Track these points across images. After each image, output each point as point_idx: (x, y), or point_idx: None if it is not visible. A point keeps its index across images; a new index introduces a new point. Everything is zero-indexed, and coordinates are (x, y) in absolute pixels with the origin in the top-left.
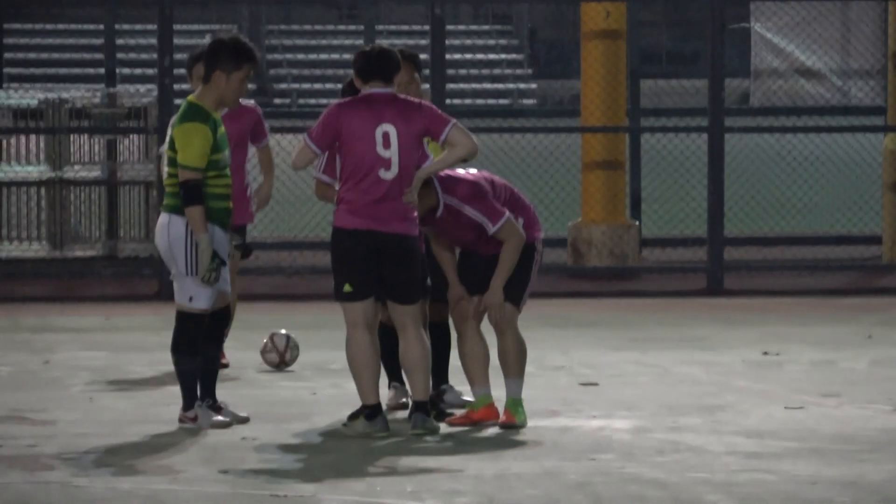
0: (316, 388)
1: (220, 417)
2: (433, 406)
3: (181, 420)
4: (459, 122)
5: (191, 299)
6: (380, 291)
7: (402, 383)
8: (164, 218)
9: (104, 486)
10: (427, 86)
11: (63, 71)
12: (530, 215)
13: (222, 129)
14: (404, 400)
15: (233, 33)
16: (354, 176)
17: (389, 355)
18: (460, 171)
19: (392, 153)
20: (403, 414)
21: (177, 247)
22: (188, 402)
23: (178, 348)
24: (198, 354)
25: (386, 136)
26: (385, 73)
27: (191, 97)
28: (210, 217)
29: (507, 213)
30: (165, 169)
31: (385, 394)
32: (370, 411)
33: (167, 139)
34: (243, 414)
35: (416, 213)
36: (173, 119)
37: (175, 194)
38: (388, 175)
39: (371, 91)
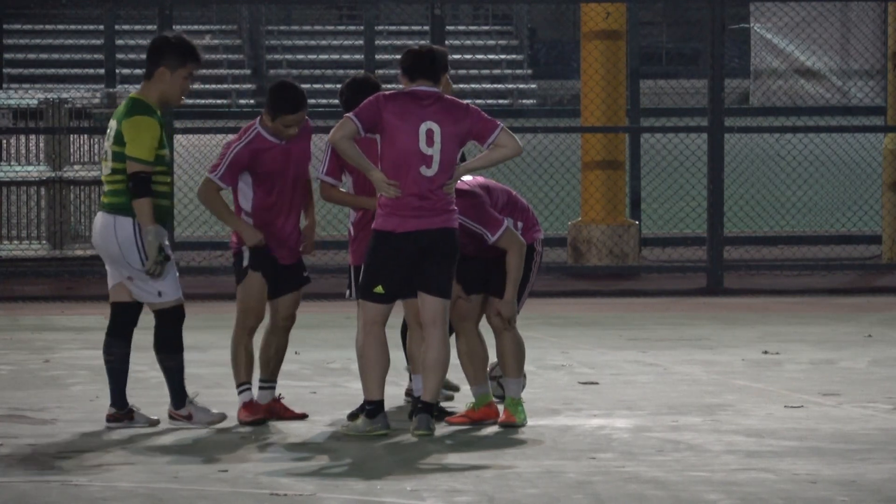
0: (316, 388)
1: (215, 412)
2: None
3: (172, 417)
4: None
5: (160, 294)
6: (412, 290)
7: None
8: (107, 219)
9: (104, 486)
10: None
11: (63, 71)
12: (529, 217)
13: (162, 127)
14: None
15: (178, 33)
16: (396, 173)
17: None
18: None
19: (434, 151)
20: (402, 413)
21: (128, 247)
22: (179, 401)
23: (161, 347)
24: (181, 350)
25: (430, 133)
26: (432, 73)
27: (133, 93)
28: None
29: (505, 222)
30: (109, 164)
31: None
32: (372, 408)
33: (111, 134)
34: (154, 417)
35: (454, 205)
36: (116, 114)
37: (119, 192)
38: (428, 172)
39: (417, 88)
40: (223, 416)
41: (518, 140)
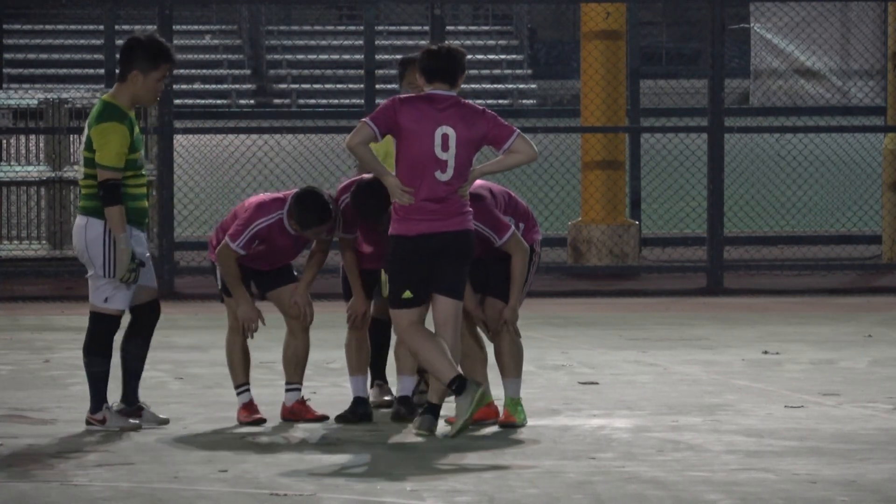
0: (316, 388)
1: (130, 420)
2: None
3: (88, 422)
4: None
5: (106, 300)
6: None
7: (386, 381)
8: (81, 220)
9: (104, 486)
10: None
11: (63, 71)
12: (529, 218)
13: (138, 129)
14: (388, 398)
15: (150, 32)
16: (410, 178)
17: (377, 352)
18: None
19: (449, 156)
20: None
21: (94, 248)
22: (96, 405)
23: (90, 350)
24: (110, 356)
25: (445, 137)
26: (450, 75)
27: (105, 96)
28: (127, 217)
29: (512, 226)
30: (82, 169)
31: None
32: (458, 384)
33: (84, 139)
34: (163, 416)
35: (469, 207)
36: (89, 118)
37: (92, 196)
38: (443, 177)
39: (434, 91)
40: (138, 426)
41: (534, 146)
